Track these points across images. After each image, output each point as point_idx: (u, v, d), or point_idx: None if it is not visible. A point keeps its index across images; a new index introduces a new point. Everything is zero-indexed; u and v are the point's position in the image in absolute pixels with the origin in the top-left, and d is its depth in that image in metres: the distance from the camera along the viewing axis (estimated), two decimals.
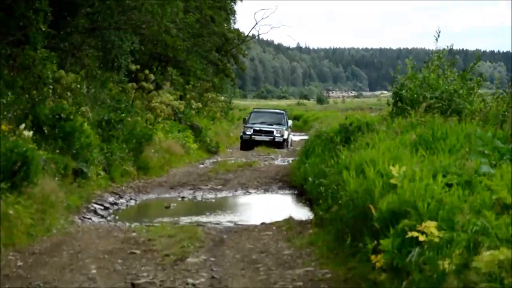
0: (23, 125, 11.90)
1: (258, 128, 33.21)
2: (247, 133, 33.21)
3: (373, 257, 6.03)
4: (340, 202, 8.51)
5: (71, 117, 14.44)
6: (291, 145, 34.10)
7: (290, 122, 35.84)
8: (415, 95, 13.57)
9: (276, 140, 32.67)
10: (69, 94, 16.31)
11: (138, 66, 26.45)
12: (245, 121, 35.42)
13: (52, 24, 16.14)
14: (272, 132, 33.06)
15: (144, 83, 26.61)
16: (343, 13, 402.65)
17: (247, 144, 32.47)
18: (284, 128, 33.69)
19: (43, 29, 14.76)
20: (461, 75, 14.30)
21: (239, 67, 43.49)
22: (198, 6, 32.45)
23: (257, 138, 32.59)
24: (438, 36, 14.64)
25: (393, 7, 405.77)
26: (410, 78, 14.34)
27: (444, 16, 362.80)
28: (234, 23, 43.24)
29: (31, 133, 11.86)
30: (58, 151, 13.67)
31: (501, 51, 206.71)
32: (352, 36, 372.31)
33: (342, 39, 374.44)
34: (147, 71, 27.60)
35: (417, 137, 9.37)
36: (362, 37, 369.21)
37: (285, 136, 33.31)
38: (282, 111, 37.23)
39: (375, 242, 6.16)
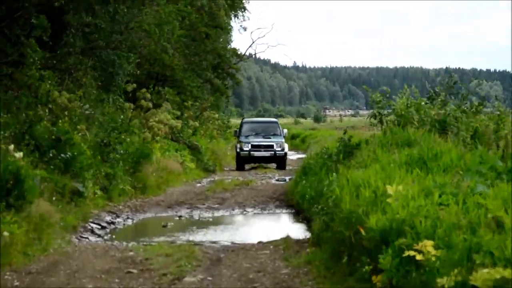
0: (12, 146, 11.87)
1: (256, 143, 29.73)
2: (245, 149, 29.64)
3: (373, 277, 6.02)
4: (337, 221, 8.51)
5: (70, 138, 14.46)
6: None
7: (285, 131, 32.14)
8: (403, 116, 13.77)
9: (278, 154, 29.67)
10: (66, 113, 16.33)
11: (135, 85, 26.52)
12: (236, 134, 32.00)
13: (48, 45, 16.22)
14: (272, 146, 29.77)
15: (143, 102, 26.69)
16: (341, 22, 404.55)
17: (245, 161, 29.94)
18: (283, 141, 30.34)
19: (37, 49, 14.78)
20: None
21: (235, 82, 43.59)
22: (193, 25, 32.55)
23: (256, 154, 29.62)
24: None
25: (392, 11, 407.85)
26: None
27: (440, 35, 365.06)
28: (231, 41, 43.55)
29: (21, 154, 11.82)
30: (55, 170, 13.68)
31: (497, 70, 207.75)
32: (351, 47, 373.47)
33: (339, 57, 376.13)
34: (144, 90, 27.68)
35: (410, 157, 9.41)
36: (359, 54, 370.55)
37: (286, 150, 30.40)
38: (275, 120, 34.40)
39: (373, 262, 6.16)
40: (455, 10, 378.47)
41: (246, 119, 34.59)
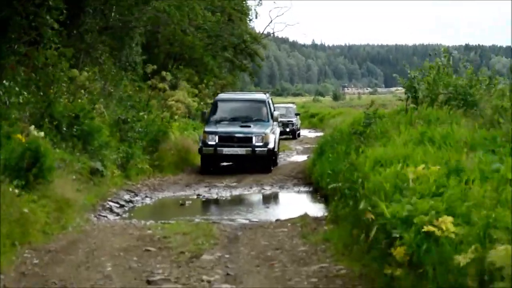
0: (32, 127, 11.96)
1: (226, 134, 19.37)
2: (209, 142, 19.20)
3: (392, 249, 5.98)
4: (355, 199, 8.47)
5: (89, 116, 14.51)
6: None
7: (276, 113, 21.51)
8: (430, 90, 13.62)
9: (258, 152, 19.07)
10: (83, 92, 16.38)
11: (155, 67, 26.68)
12: (204, 118, 21.43)
13: (66, 23, 16.23)
14: (250, 139, 19.25)
15: (159, 84, 26.80)
16: (359, 8, 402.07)
17: (211, 161, 19.59)
18: (268, 129, 19.73)
19: (55, 27, 14.81)
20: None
21: (256, 64, 43.68)
22: (220, 6, 32.64)
23: (225, 151, 19.12)
24: None
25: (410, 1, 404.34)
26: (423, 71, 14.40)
27: (460, 11, 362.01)
28: (251, 21, 43.72)
29: (42, 133, 11.90)
30: (74, 150, 13.75)
31: None
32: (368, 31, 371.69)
33: (358, 35, 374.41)
34: (164, 73, 27.79)
35: (424, 133, 9.40)
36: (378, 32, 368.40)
37: (271, 145, 19.46)
38: (262, 97, 21.98)
39: (390, 238, 6.12)
40: None
41: (220, 96, 23.05)
